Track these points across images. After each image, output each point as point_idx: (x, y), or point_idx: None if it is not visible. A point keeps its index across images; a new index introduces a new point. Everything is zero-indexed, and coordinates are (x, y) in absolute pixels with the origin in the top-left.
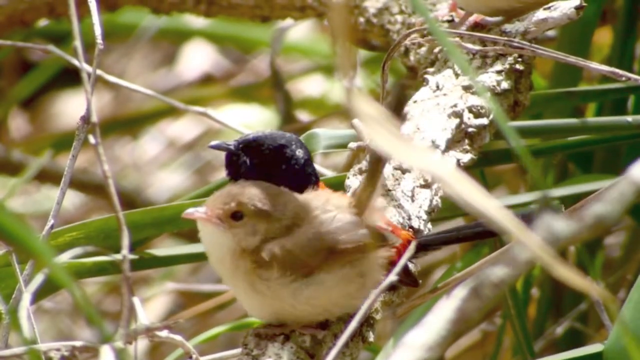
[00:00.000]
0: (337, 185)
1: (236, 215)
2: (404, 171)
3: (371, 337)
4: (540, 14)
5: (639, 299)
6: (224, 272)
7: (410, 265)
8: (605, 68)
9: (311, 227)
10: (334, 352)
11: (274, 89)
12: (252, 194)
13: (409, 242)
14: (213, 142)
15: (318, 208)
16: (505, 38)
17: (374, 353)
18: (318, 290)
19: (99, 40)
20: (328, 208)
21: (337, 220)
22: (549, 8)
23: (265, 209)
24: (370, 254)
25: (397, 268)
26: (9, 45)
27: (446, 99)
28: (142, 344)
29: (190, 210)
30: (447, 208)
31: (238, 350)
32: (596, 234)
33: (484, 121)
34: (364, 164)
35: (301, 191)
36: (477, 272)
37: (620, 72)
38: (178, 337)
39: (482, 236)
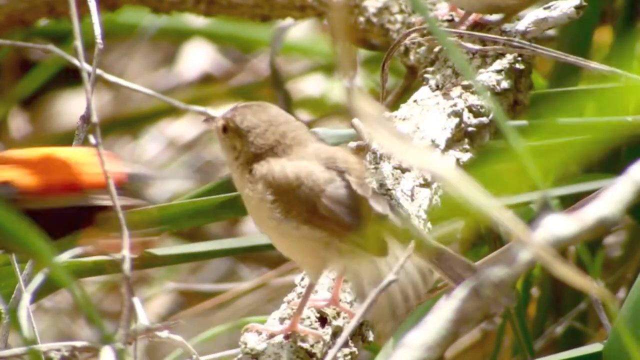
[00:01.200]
0: None
1: (224, 128)
2: (403, 170)
3: (371, 337)
4: (540, 13)
5: (638, 299)
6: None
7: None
8: (605, 68)
9: (312, 176)
10: (333, 351)
11: (273, 89)
12: (241, 112)
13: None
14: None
15: (339, 169)
16: (505, 37)
17: (373, 353)
18: (291, 232)
19: (99, 40)
20: (339, 169)
21: (338, 187)
22: (549, 7)
23: (241, 127)
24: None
25: (397, 267)
26: (8, 45)
27: (446, 99)
28: (142, 343)
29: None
30: (447, 208)
31: (238, 350)
32: (597, 234)
33: (484, 120)
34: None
35: None
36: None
37: (621, 71)
38: (178, 338)
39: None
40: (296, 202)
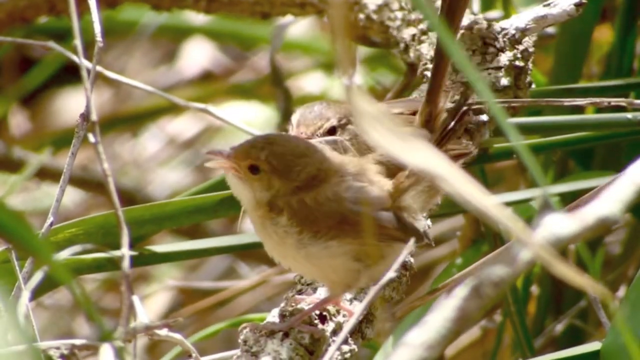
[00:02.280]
0: None
1: (253, 169)
2: None
3: (370, 334)
4: (540, 10)
5: (637, 297)
6: (247, 212)
7: (410, 262)
8: (587, 101)
9: (333, 188)
10: (333, 348)
11: (274, 86)
12: (273, 151)
13: None
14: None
15: (349, 174)
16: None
17: (373, 350)
18: (321, 253)
19: (99, 38)
20: (360, 178)
21: (363, 192)
22: (548, 5)
23: (280, 168)
24: (386, 242)
25: (396, 264)
26: (9, 42)
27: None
28: (141, 341)
29: (214, 150)
30: (447, 205)
31: (238, 350)
32: (597, 233)
33: (484, 118)
34: None
35: None
36: (477, 271)
37: (599, 99)
38: (177, 336)
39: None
40: (323, 219)
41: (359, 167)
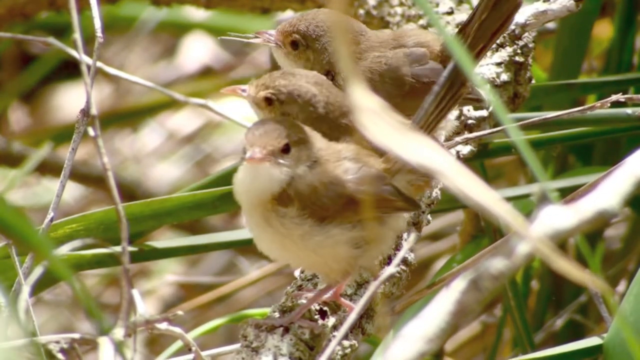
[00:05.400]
0: None
1: (286, 149)
2: None
3: (370, 329)
4: (540, 6)
5: (638, 292)
6: (247, 208)
7: (410, 257)
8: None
9: (336, 171)
10: (333, 344)
11: None
12: (291, 126)
13: None
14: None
15: (347, 157)
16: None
17: (374, 345)
18: (325, 241)
19: (99, 33)
20: (355, 160)
21: (362, 171)
22: (548, 0)
23: (305, 137)
24: (385, 218)
25: (397, 260)
26: (9, 38)
27: None
28: (141, 336)
29: (249, 154)
30: (447, 200)
31: (238, 345)
32: (596, 227)
33: (484, 113)
34: None
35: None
36: (476, 265)
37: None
38: (177, 330)
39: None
40: (331, 204)
41: (354, 151)
